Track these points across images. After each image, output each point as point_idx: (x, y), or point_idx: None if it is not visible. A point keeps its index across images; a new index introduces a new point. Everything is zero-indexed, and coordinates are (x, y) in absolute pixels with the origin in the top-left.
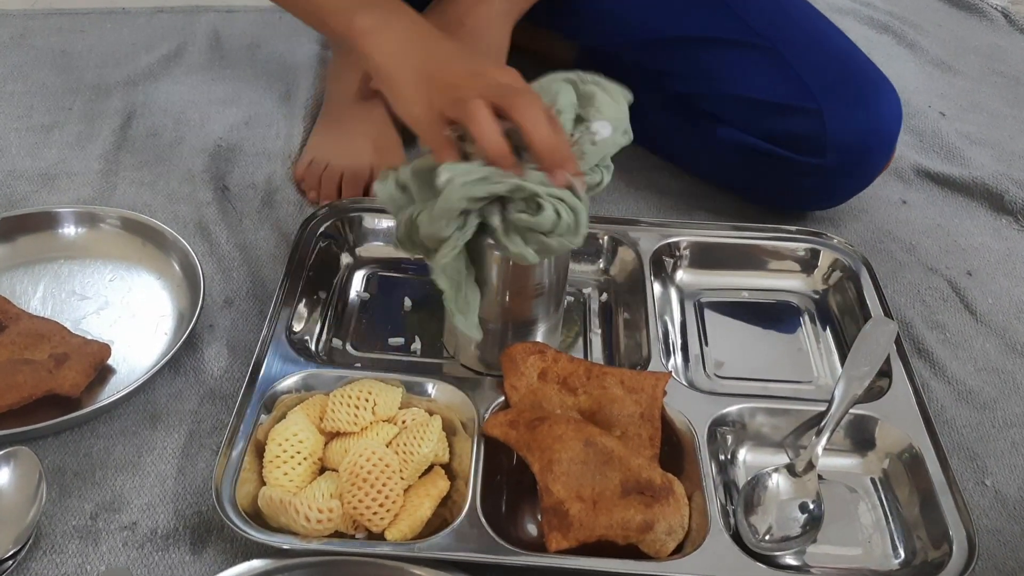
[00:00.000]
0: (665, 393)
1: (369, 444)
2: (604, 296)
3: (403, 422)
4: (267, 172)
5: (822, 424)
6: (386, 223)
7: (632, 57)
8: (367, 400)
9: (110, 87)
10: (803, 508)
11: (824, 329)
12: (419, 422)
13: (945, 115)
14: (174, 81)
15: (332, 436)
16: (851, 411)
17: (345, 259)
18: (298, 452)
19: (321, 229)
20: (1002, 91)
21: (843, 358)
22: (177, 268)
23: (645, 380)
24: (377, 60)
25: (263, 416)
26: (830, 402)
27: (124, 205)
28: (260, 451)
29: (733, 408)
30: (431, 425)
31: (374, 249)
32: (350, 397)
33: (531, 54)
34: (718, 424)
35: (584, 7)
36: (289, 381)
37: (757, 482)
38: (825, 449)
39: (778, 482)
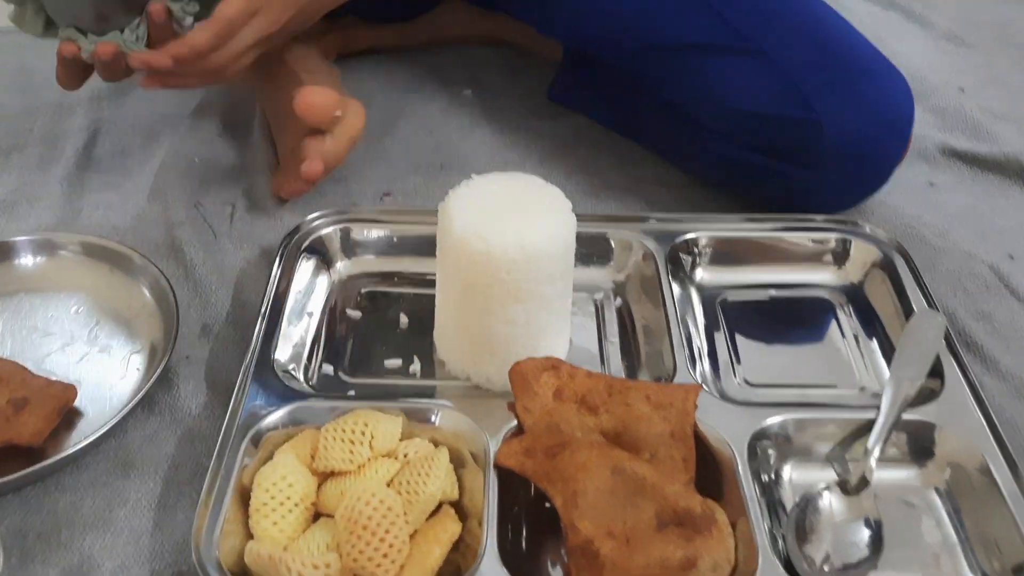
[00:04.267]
0: (696, 407)
1: (368, 485)
2: (619, 301)
3: (405, 456)
4: (244, 186)
5: (873, 433)
6: (376, 233)
7: (617, 61)
8: (363, 433)
9: (73, 104)
10: (862, 530)
11: (862, 326)
12: (423, 456)
13: (964, 90)
14: (142, 94)
15: (326, 477)
16: (903, 417)
17: (333, 276)
18: (288, 498)
19: (305, 244)
20: (1019, 62)
21: (887, 356)
22: (148, 295)
23: (673, 393)
24: None
25: (247, 458)
26: (880, 408)
27: (90, 229)
28: (245, 498)
29: (774, 420)
30: (437, 459)
31: (365, 263)
32: (344, 431)
33: (516, 48)
34: (758, 439)
35: (563, 7)
36: (276, 416)
37: (807, 504)
38: (877, 461)
39: (831, 502)
